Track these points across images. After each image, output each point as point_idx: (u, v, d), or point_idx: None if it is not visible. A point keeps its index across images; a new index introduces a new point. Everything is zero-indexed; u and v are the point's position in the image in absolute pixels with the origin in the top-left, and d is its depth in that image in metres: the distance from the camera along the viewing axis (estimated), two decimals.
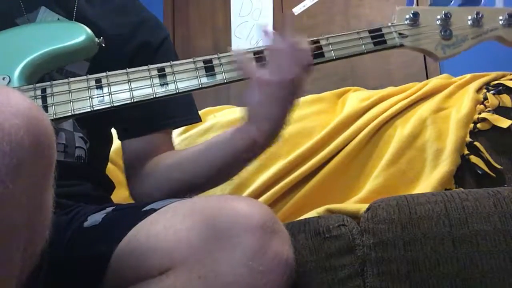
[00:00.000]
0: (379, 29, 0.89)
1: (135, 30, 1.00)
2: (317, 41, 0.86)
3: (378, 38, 0.88)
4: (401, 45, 0.89)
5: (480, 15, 0.90)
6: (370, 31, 0.88)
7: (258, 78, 0.81)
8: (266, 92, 0.81)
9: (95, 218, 0.80)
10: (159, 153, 0.98)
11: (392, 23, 0.90)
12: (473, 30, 0.91)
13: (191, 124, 1.06)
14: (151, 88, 0.80)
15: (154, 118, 0.99)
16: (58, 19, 0.93)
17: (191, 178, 0.91)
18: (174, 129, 1.05)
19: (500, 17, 0.91)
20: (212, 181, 0.93)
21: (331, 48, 0.86)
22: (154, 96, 0.80)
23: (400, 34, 0.89)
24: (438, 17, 0.90)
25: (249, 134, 0.84)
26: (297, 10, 2.88)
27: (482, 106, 1.32)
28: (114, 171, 1.40)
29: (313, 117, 1.46)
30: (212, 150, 0.91)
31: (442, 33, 0.90)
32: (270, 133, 0.84)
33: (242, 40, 2.94)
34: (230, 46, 2.94)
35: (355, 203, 1.20)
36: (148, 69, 0.82)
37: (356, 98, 1.48)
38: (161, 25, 1.07)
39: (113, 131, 1.08)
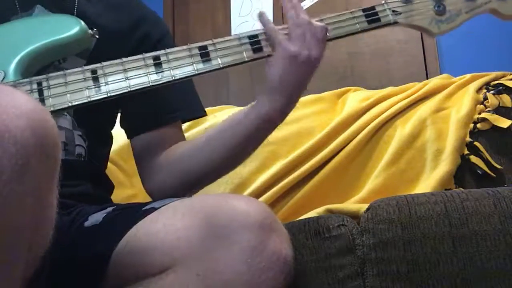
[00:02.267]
0: (373, 8, 0.89)
1: (135, 25, 1.00)
2: None
3: (372, 16, 0.89)
4: (395, 22, 0.89)
5: None
6: (363, 10, 0.89)
7: (287, 51, 0.82)
8: (292, 66, 0.82)
9: (96, 217, 0.81)
10: (169, 145, 0.98)
11: (385, 1, 0.90)
12: (466, 4, 0.90)
13: (197, 118, 1.06)
14: (147, 77, 0.80)
15: (160, 112, 0.99)
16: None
17: (206, 164, 0.91)
18: (182, 122, 1.04)
19: None
20: (228, 165, 0.93)
21: None
22: (150, 84, 0.80)
23: (393, 11, 0.89)
24: None
25: (262, 110, 0.85)
26: None
27: (482, 106, 1.32)
28: (115, 171, 1.41)
29: (313, 117, 1.47)
30: (225, 132, 0.90)
31: (436, 8, 0.90)
32: (283, 109, 0.85)
33: None
34: None
35: (355, 203, 1.20)
36: (143, 58, 0.82)
37: (356, 98, 1.48)
38: (161, 20, 1.07)
39: (114, 132, 1.08)
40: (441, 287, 0.78)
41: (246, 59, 0.84)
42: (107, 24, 0.94)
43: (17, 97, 0.54)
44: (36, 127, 0.52)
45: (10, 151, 0.50)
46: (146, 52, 0.83)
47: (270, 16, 2.91)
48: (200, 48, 0.83)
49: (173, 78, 0.81)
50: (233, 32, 2.97)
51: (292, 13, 0.85)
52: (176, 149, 0.97)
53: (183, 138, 1.02)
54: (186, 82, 0.85)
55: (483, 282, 0.76)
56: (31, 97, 0.56)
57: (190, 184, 0.92)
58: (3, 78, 0.78)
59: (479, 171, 1.23)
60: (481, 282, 0.77)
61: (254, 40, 0.85)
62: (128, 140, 1.05)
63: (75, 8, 0.95)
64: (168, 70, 0.81)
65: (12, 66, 0.79)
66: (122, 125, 1.04)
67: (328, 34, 0.86)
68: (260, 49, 0.85)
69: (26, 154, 0.51)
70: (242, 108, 0.90)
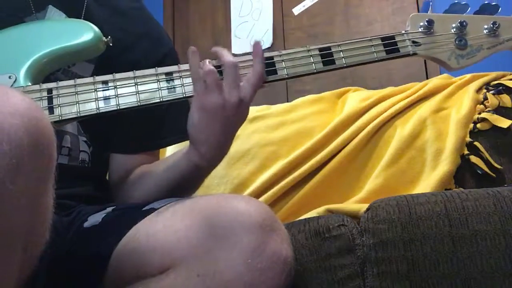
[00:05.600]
0: (392, 37, 0.87)
1: (138, 40, 1.00)
2: (328, 48, 0.85)
3: (390, 46, 0.86)
4: (414, 54, 0.87)
5: (497, 25, 0.88)
6: (382, 39, 0.86)
7: (196, 102, 0.78)
8: (204, 117, 0.78)
9: (95, 218, 0.81)
10: (143, 165, 0.98)
11: (405, 31, 0.88)
12: (488, 40, 0.88)
13: (183, 141, 1.02)
14: (158, 92, 0.79)
15: (146, 139, 0.98)
16: (65, 17, 0.93)
17: (145, 195, 0.91)
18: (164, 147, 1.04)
19: None
20: (173, 195, 0.90)
21: (342, 55, 0.84)
22: (161, 100, 0.79)
23: (413, 42, 0.87)
24: (454, 25, 0.88)
25: (191, 158, 0.83)
26: (297, 10, 2.88)
27: (482, 106, 1.32)
28: None
29: (313, 117, 1.46)
30: (162, 172, 0.90)
31: (457, 42, 0.88)
32: (211, 157, 0.82)
33: (242, 40, 2.94)
34: (230, 46, 2.94)
35: (355, 203, 1.20)
36: (156, 73, 0.81)
37: (356, 98, 1.48)
38: (165, 38, 1.05)
39: None
40: (441, 287, 0.78)
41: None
42: (111, 30, 0.94)
43: (12, 96, 0.53)
44: (30, 126, 0.52)
45: (4, 149, 0.50)
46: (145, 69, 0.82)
47: (269, 16, 2.92)
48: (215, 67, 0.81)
49: (184, 96, 0.80)
50: (233, 32, 2.97)
51: (206, 62, 0.79)
52: (133, 173, 0.97)
53: (157, 159, 1.02)
54: (183, 102, 0.83)
55: (483, 282, 0.76)
56: (26, 96, 0.55)
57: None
58: (14, 81, 0.77)
59: (479, 171, 1.23)
60: (481, 282, 0.77)
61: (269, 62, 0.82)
62: None
63: (83, 10, 0.94)
64: (180, 86, 0.80)
65: (23, 70, 0.79)
66: (112, 136, 1.03)
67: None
68: (275, 72, 0.82)
69: (19, 153, 0.51)
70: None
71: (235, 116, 0.78)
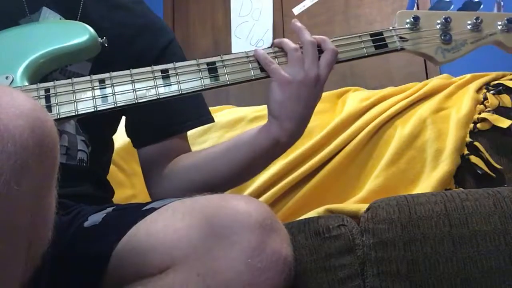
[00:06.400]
0: (381, 33, 0.89)
1: (139, 32, 1.00)
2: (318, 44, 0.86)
3: (379, 41, 0.89)
4: (402, 49, 0.90)
5: (480, 20, 0.91)
6: (371, 35, 0.89)
7: (279, 78, 0.82)
8: (287, 91, 0.82)
9: (96, 218, 0.81)
10: (176, 156, 0.98)
11: (393, 27, 0.90)
12: (472, 35, 0.91)
13: (205, 124, 1.06)
14: (154, 89, 0.80)
15: (167, 124, 0.99)
16: (60, 18, 0.93)
17: (210, 179, 0.92)
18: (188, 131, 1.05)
19: (499, 22, 0.92)
20: (232, 182, 0.94)
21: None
22: (158, 97, 0.80)
23: (401, 38, 0.90)
24: (438, 21, 0.91)
25: (272, 133, 0.85)
26: (297, 10, 2.88)
27: (482, 106, 1.32)
28: (115, 171, 1.41)
29: (313, 117, 1.44)
30: (233, 150, 0.91)
31: (442, 37, 0.90)
32: (293, 132, 0.85)
33: (242, 40, 2.94)
34: (230, 46, 2.94)
35: (355, 203, 1.20)
36: (152, 70, 0.81)
37: (356, 98, 1.48)
38: (167, 28, 1.06)
39: (114, 137, 1.08)
40: (441, 287, 0.78)
41: (254, 77, 0.85)
42: (110, 27, 0.94)
43: (17, 97, 0.53)
44: (35, 127, 0.52)
45: (9, 150, 0.50)
46: (150, 61, 0.83)
47: (269, 16, 2.92)
48: (209, 63, 0.83)
49: (180, 92, 0.81)
50: (233, 32, 2.97)
51: (286, 41, 0.86)
52: (182, 160, 0.97)
53: (189, 148, 1.03)
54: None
55: (483, 282, 0.76)
56: (31, 98, 0.55)
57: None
58: (11, 82, 0.77)
59: (479, 171, 1.23)
60: (481, 282, 0.77)
61: None
62: (127, 140, 1.05)
63: (79, 9, 0.94)
64: (176, 84, 0.81)
65: (20, 71, 0.79)
66: (128, 134, 1.04)
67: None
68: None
69: (25, 154, 0.51)
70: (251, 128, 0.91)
71: (313, 93, 0.84)
